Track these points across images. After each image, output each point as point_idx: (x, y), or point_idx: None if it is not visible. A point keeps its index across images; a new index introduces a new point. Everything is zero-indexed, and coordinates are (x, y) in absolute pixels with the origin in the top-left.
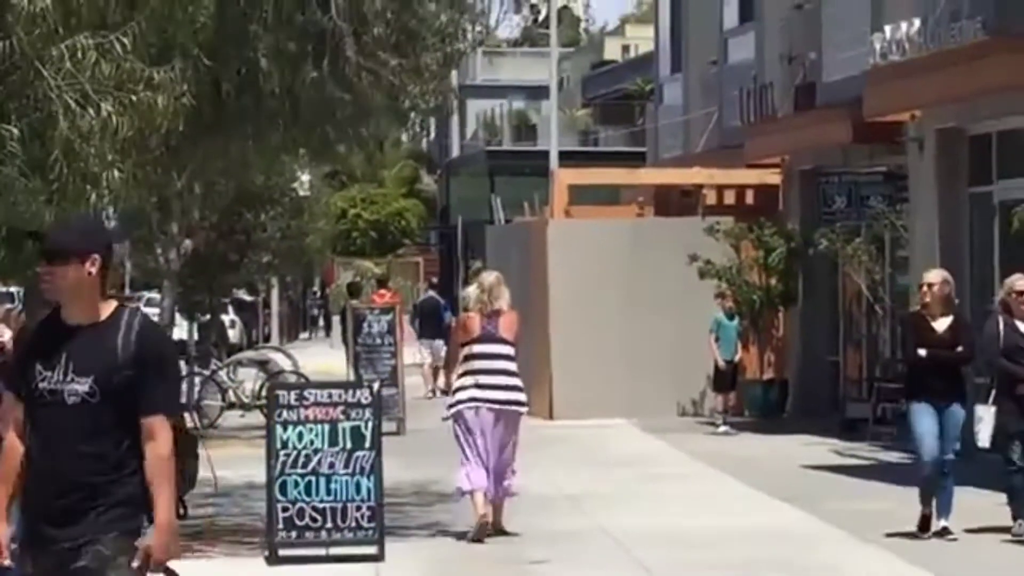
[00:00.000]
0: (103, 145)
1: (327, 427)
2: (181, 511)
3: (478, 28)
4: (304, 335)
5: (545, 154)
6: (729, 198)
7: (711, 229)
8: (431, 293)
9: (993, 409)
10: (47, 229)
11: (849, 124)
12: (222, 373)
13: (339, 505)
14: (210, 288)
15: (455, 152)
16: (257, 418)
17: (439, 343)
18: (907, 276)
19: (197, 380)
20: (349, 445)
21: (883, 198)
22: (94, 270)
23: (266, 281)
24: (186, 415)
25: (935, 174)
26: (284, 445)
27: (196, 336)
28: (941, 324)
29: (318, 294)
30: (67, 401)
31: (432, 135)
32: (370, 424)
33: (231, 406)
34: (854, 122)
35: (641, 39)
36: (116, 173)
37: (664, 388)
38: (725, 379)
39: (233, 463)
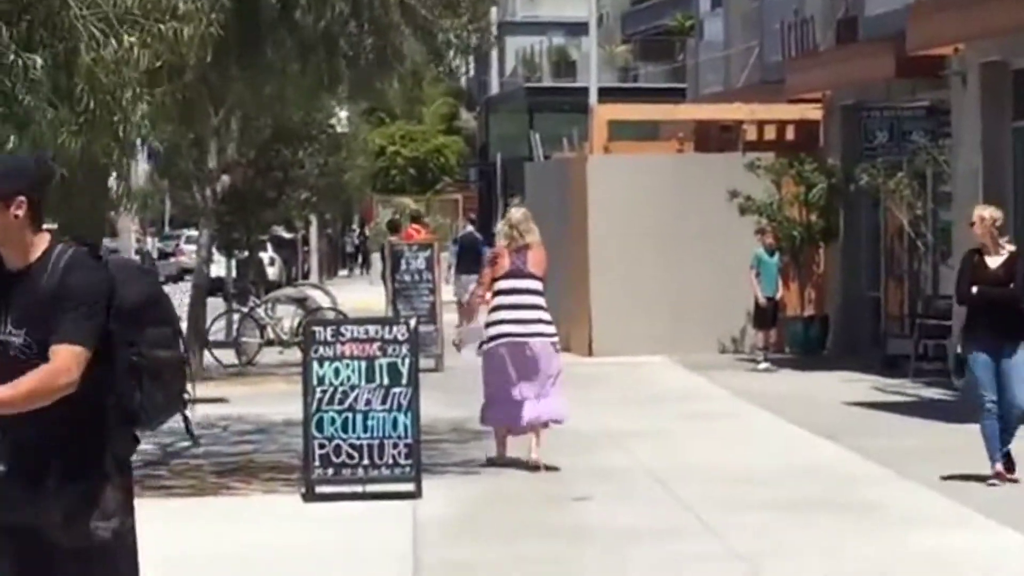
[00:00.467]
0: (128, 76)
1: (364, 363)
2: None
3: None
4: (343, 272)
5: (584, 91)
6: (770, 134)
7: (751, 165)
8: (470, 229)
9: None
10: None
11: (892, 58)
12: (260, 310)
13: (376, 442)
14: (247, 225)
15: (494, 89)
16: (295, 355)
17: (476, 277)
18: (949, 212)
19: (235, 317)
20: (386, 381)
21: (925, 133)
22: (20, 212)
23: (304, 218)
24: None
25: (978, 108)
26: (320, 382)
27: (234, 273)
28: (996, 261)
29: (357, 231)
30: (10, 354)
31: (471, 72)
32: (407, 360)
33: (269, 343)
34: (897, 56)
35: None
36: (144, 105)
37: (704, 325)
38: (766, 316)
39: (271, 400)
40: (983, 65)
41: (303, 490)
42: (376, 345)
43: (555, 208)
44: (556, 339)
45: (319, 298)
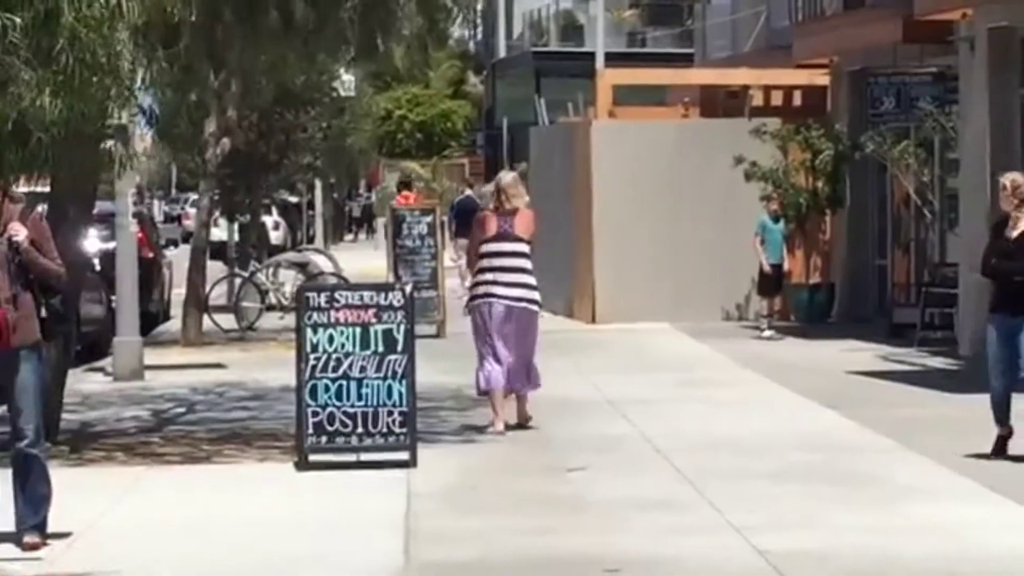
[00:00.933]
0: (112, 34)
1: (358, 330)
2: None
3: None
4: (349, 237)
5: (592, 56)
6: (776, 99)
7: (758, 131)
8: (468, 193)
9: None
10: None
11: (899, 23)
12: (261, 275)
13: (370, 410)
14: (249, 189)
15: (501, 53)
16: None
17: None
18: (956, 179)
19: (237, 282)
20: (381, 348)
21: (932, 99)
22: None
23: (308, 182)
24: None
25: (986, 74)
26: (314, 348)
27: (236, 237)
28: (1015, 231)
29: (363, 196)
30: None
31: (478, 36)
32: (402, 327)
33: (270, 308)
34: (904, 21)
35: None
36: (127, 63)
37: (709, 292)
38: (770, 283)
39: (270, 366)
40: (991, 30)
41: (296, 458)
42: (371, 311)
43: (559, 173)
44: (538, 307)
45: (322, 263)
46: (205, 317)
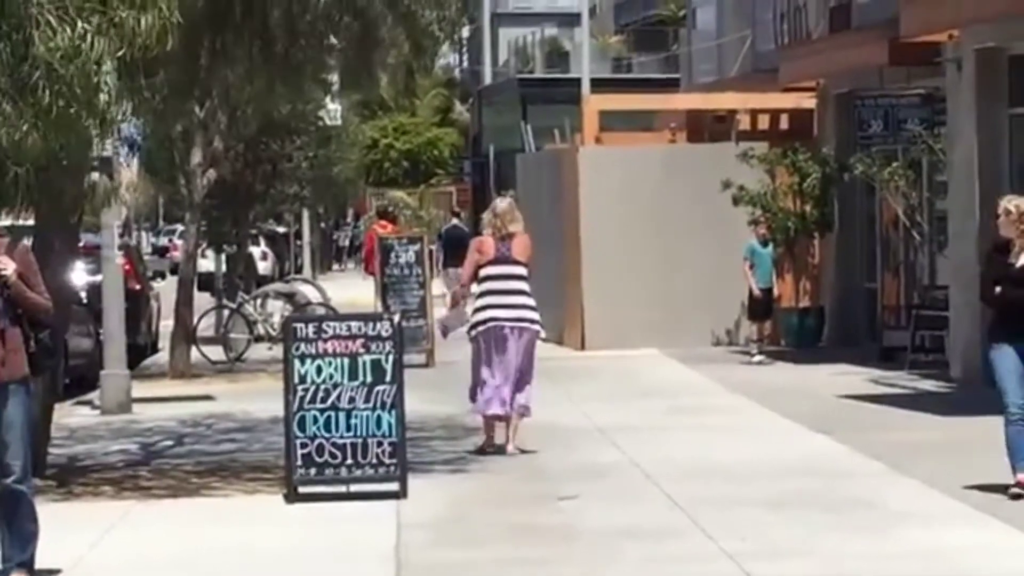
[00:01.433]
0: (88, 66)
1: (347, 360)
2: None
3: None
4: (337, 267)
5: (578, 82)
6: (763, 123)
7: (745, 155)
8: (455, 222)
9: None
10: None
11: (885, 45)
12: (249, 306)
13: (359, 441)
14: (236, 220)
15: (487, 80)
16: None
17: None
18: (945, 200)
19: (225, 313)
20: (369, 379)
21: (920, 121)
22: None
23: (294, 212)
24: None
25: (974, 95)
26: (302, 379)
27: (224, 268)
28: (1021, 257)
29: (351, 225)
30: None
31: (464, 64)
32: (391, 357)
33: (258, 339)
34: (890, 43)
35: None
36: (106, 96)
37: (698, 317)
38: (760, 307)
39: (258, 397)
40: (978, 51)
41: (285, 490)
42: (359, 342)
43: (547, 200)
44: (540, 328)
45: (310, 293)
46: (193, 349)
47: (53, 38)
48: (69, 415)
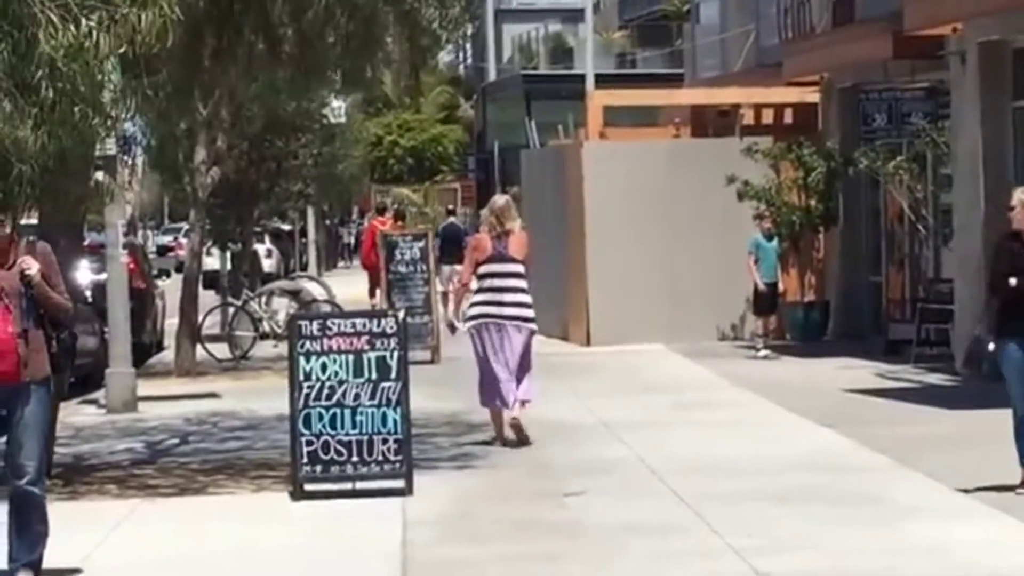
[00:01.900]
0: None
1: (351, 358)
2: None
3: None
4: (343, 264)
5: (582, 78)
6: (767, 118)
7: (749, 150)
8: (452, 220)
9: None
10: None
11: (889, 39)
12: (254, 303)
13: (365, 438)
14: (240, 217)
15: (491, 77)
16: None
17: (460, 268)
18: (950, 194)
19: (230, 311)
20: (375, 376)
21: (925, 115)
22: None
23: (299, 210)
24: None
25: (978, 88)
26: (307, 377)
27: (229, 266)
28: None
29: (355, 222)
30: None
31: (469, 60)
32: (396, 354)
33: (264, 337)
34: (894, 37)
35: None
36: (109, 94)
37: (703, 312)
38: (765, 302)
39: (264, 395)
40: (982, 44)
41: (291, 488)
42: (364, 339)
43: (551, 196)
44: (534, 325)
45: (315, 290)
46: (199, 347)
47: (56, 36)
48: (75, 414)
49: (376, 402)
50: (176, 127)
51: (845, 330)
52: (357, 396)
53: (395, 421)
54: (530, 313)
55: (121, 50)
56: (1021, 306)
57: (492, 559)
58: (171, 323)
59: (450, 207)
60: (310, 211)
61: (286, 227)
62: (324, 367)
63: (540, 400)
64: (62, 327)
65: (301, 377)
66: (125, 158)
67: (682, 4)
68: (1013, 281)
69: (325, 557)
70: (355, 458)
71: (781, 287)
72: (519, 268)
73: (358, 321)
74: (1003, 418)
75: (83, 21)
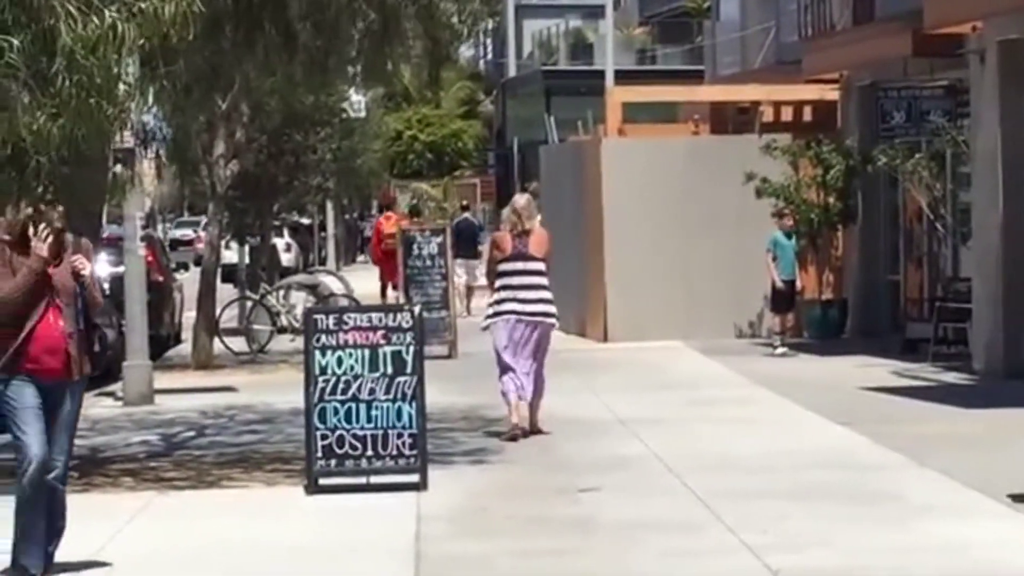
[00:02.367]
0: (109, 55)
1: (367, 352)
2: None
3: None
4: (362, 258)
5: (601, 73)
6: (786, 115)
7: (768, 147)
8: (466, 215)
9: None
10: None
11: (909, 37)
12: (272, 297)
13: (380, 432)
14: (259, 211)
15: (511, 72)
16: None
17: (474, 263)
18: (968, 192)
19: (247, 304)
20: (390, 370)
21: (944, 113)
22: None
23: (318, 204)
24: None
25: (997, 87)
26: (323, 371)
27: (247, 260)
28: None
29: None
30: None
31: (488, 56)
32: (411, 348)
33: (281, 330)
34: (914, 35)
35: None
36: (124, 86)
37: (721, 309)
38: (783, 299)
39: (280, 389)
40: (1001, 43)
41: (306, 482)
42: (380, 333)
43: (569, 192)
44: (555, 321)
45: (333, 285)
46: (216, 340)
47: (75, 28)
48: (91, 406)
49: (391, 396)
50: (194, 120)
51: (863, 328)
52: (372, 390)
53: (410, 416)
54: (552, 309)
55: (141, 42)
56: None
57: (506, 554)
58: (189, 316)
59: (464, 202)
60: (329, 205)
61: (305, 221)
62: (340, 361)
63: (556, 396)
64: (92, 323)
65: (316, 371)
66: (144, 151)
67: (702, 1)
68: None
69: (339, 551)
70: (370, 452)
71: (799, 285)
72: (540, 266)
73: (374, 315)
74: (1020, 417)
75: (105, 13)
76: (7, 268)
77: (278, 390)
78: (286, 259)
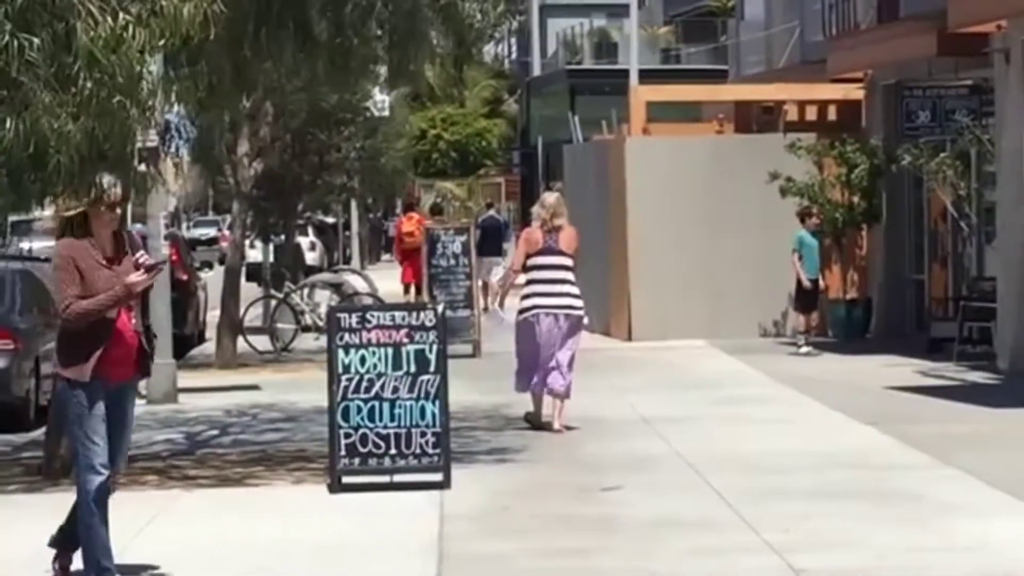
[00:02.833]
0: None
1: (390, 350)
2: None
3: None
4: (387, 257)
5: (626, 73)
6: (811, 114)
7: (792, 146)
8: (491, 213)
9: None
10: None
11: (933, 36)
12: (296, 296)
13: (403, 431)
14: (283, 210)
15: (536, 71)
16: None
17: (498, 259)
18: (993, 192)
19: (272, 303)
20: (413, 369)
21: (968, 112)
22: None
23: (342, 203)
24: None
25: (1022, 86)
26: (346, 369)
27: (271, 259)
28: None
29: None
30: None
31: (513, 55)
32: (435, 347)
33: (305, 329)
34: (939, 34)
35: None
36: (145, 86)
37: (745, 308)
38: (808, 298)
39: (304, 387)
40: None
41: (329, 480)
42: (403, 332)
43: (594, 191)
44: (583, 315)
45: (357, 283)
46: (240, 339)
47: (95, 28)
48: None
49: (415, 395)
50: (218, 119)
51: (887, 327)
52: (396, 389)
53: (433, 414)
54: (579, 303)
55: (161, 43)
56: None
57: (529, 553)
58: (213, 315)
59: (489, 201)
60: (353, 204)
61: (329, 220)
62: (363, 360)
63: (580, 395)
64: (148, 324)
65: (340, 370)
66: (168, 150)
67: (727, 0)
68: None
69: (362, 550)
70: (393, 451)
71: (823, 284)
72: (568, 261)
73: (397, 314)
74: None
75: (121, 14)
76: (94, 260)
77: (302, 388)
78: (310, 258)
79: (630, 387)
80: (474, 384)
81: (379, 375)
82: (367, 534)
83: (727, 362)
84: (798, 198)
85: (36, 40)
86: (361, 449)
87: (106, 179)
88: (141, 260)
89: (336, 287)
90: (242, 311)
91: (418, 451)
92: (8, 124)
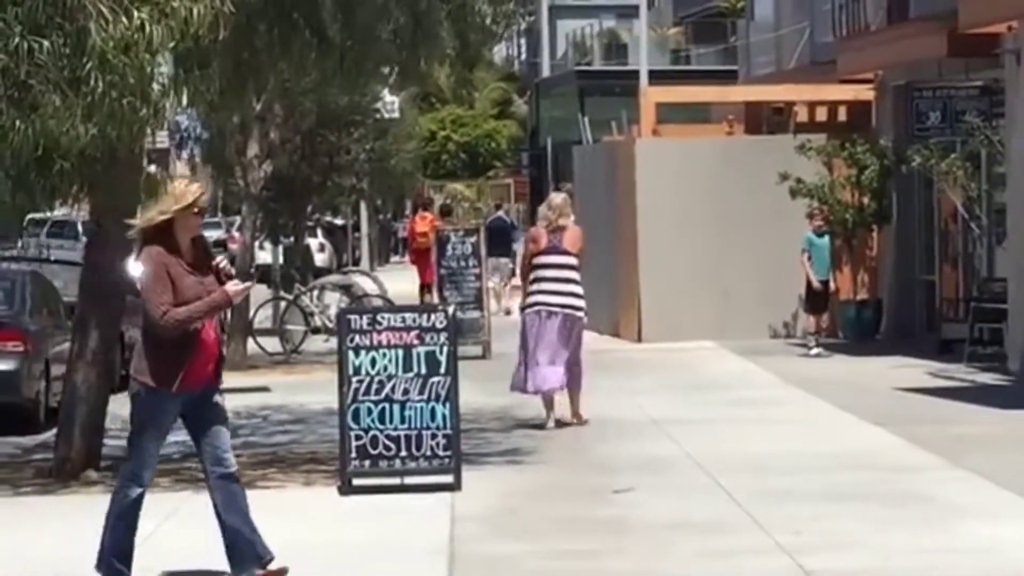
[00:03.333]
0: (141, 56)
1: (401, 352)
2: None
3: None
4: (396, 258)
5: (635, 74)
6: (821, 115)
7: (802, 147)
8: (499, 214)
9: None
10: None
11: (944, 37)
12: (305, 297)
13: (414, 433)
14: (293, 212)
15: (545, 73)
16: None
17: (505, 260)
18: (1004, 193)
19: (281, 304)
20: (424, 371)
21: (979, 113)
22: None
23: (351, 204)
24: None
25: None
26: (356, 371)
27: (281, 260)
28: None
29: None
30: None
31: (523, 56)
32: (445, 349)
33: (315, 331)
34: (949, 35)
35: None
36: (156, 87)
37: (755, 309)
38: (818, 300)
39: (314, 389)
40: None
41: (339, 482)
42: (414, 333)
43: (603, 192)
44: (583, 313)
45: (367, 285)
46: (250, 340)
47: (106, 29)
48: (125, 406)
49: (425, 397)
50: (228, 121)
51: (898, 329)
52: (406, 391)
53: (444, 416)
54: (581, 303)
55: (172, 44)
56: None
57: (540, 555)
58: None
59: (497, 201)
60: (363, 206)
61: (339, 222)
62: (373, 362)
63: (590, 396)
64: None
65: (350, 371)
66: (180, 151)
67: (737, 1)
68: None
69: (372, 551)
70: (403, 453)
71: (833, 285)
72: (572, 261)
73: (407, 316)
74: None
75: (134, 14)
76: (181, 267)
77: (312, 390)
78: (320, 259)
79: (640, 388)
80: (484, 386)
81: (390, 377)
82: (377, 536)
83: (737, 363)
84: (808, 199)
85: (46, 43)
86: (372, 451)
87: (195, 185)
88: (222, 266)
89: (346, 289)
90: (252, 313)
91: (429, 453)
92: (17, 126)
